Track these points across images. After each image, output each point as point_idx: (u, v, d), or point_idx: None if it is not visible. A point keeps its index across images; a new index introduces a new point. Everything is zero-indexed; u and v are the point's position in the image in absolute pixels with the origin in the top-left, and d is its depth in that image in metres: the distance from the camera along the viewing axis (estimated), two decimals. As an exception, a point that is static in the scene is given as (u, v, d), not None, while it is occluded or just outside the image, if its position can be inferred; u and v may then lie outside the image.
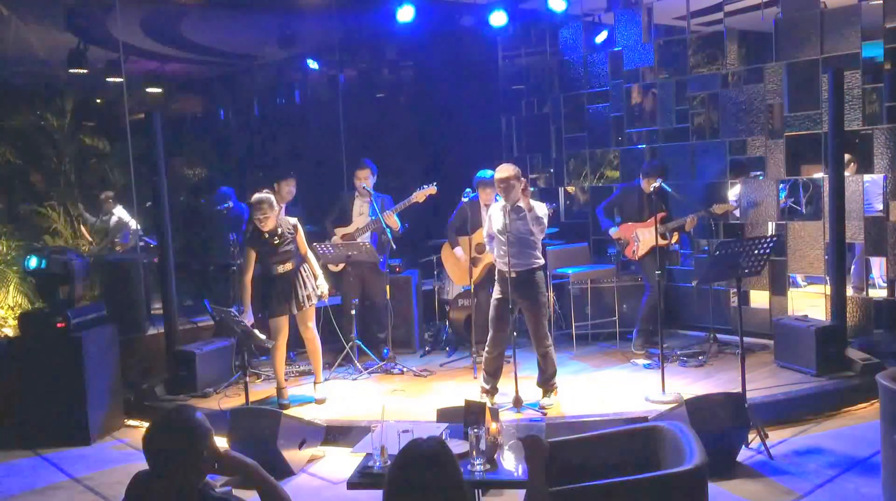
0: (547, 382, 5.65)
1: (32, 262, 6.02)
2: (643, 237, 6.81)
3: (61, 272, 5.92)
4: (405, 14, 7.94)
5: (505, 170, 5.44)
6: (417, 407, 5.69)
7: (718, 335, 6.97)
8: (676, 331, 7.61)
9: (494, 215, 5.61)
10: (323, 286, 6.00)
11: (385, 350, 6.95)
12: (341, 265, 6.85)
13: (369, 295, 7.00)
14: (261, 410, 5.21)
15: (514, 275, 5.42)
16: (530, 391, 5.68)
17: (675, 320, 7.70)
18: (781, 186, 7.31)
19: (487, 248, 5.91)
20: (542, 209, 5.47)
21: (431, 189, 6.65)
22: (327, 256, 6.59)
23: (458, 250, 6.86)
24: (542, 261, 5.61)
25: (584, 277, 7.26)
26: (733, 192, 7.54)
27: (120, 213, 8.64)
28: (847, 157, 6.94)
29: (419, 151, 9.81)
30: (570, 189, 9.30)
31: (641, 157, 7.88)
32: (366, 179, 6.80)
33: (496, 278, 5.63)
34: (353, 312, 6.75)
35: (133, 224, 8.43)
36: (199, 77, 11.84)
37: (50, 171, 8.70)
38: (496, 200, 6.52)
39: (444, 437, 3.62)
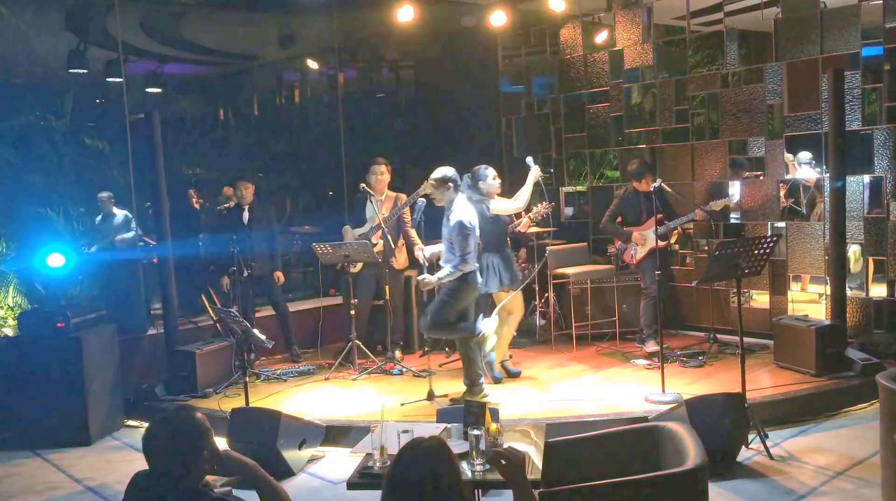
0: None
1: None
2: (641, 241, 6.81)
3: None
4: (405, 14, 7.94)
5: (439, 171, 5.59)
6: (417, 407, 5.70)
7: (718, 335, 6.97)
8: (676, 331, 7.61)
9: None
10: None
11: (393, 350, 6.96)
12: (359, 266, 6.85)
13: (382, 295, 7.00)
14: (261, 410, 5.20)
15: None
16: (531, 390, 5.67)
17: (675, 320, 7.70)
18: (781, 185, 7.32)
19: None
20: (458, 215, 5.47)
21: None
22: (326, 255, 6.59)
23: None
24: (468, 268, 5.50)
25: (584, 277, 7.25)
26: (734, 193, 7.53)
27: (125, 215, 8.56)
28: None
29: (419, 151, 9.82)
30: (570, 189, 9.29)
31: (641, 157, 7.86)
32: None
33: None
34: (353, 312, 6.74)
35: (133, 226, 8.39)
36: (199, 77, 11.85)
37: (50, 171, 8.69)
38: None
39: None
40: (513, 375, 6.36)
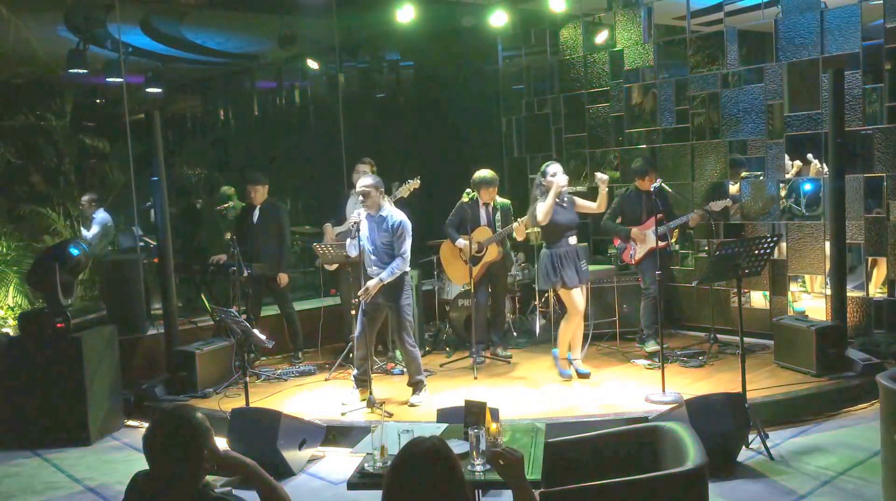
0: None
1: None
2: (640, 239, 6.80)
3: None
4: (405, 14, 7.95)
5: (368, 178, 5.72)
6: (417, 407, 5.70)
7: (718, 335, 6.97)
8: (676, 331, 7.62)
9: (363, 223, 5.75)
10: None
11: (393, 350, 6.94)
12: (335, 264, 6.84)
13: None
14: (261, 410, 5.20)
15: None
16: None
17: (675, 320, 7.70)
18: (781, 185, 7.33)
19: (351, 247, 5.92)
20: (399, 217, 5.65)
21: (415, 183, 6.56)
22: (326, 255, 6.59)
23: (461, 241, 6.79)
24: (406, 267, 5.72)
25: (584, 277, 7.24)
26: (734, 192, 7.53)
27: (101, 219, 8.47)
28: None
29: (419, 151, 9.83)
30: (570, 189, 9.27)
31: (644, 156, 7.85)
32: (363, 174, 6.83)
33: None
34: (353, 312, 6.72)
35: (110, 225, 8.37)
36: (199, 77, 11.86)
37: (50, 171, 8.70)
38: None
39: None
40: (582, 375, 6.29)
